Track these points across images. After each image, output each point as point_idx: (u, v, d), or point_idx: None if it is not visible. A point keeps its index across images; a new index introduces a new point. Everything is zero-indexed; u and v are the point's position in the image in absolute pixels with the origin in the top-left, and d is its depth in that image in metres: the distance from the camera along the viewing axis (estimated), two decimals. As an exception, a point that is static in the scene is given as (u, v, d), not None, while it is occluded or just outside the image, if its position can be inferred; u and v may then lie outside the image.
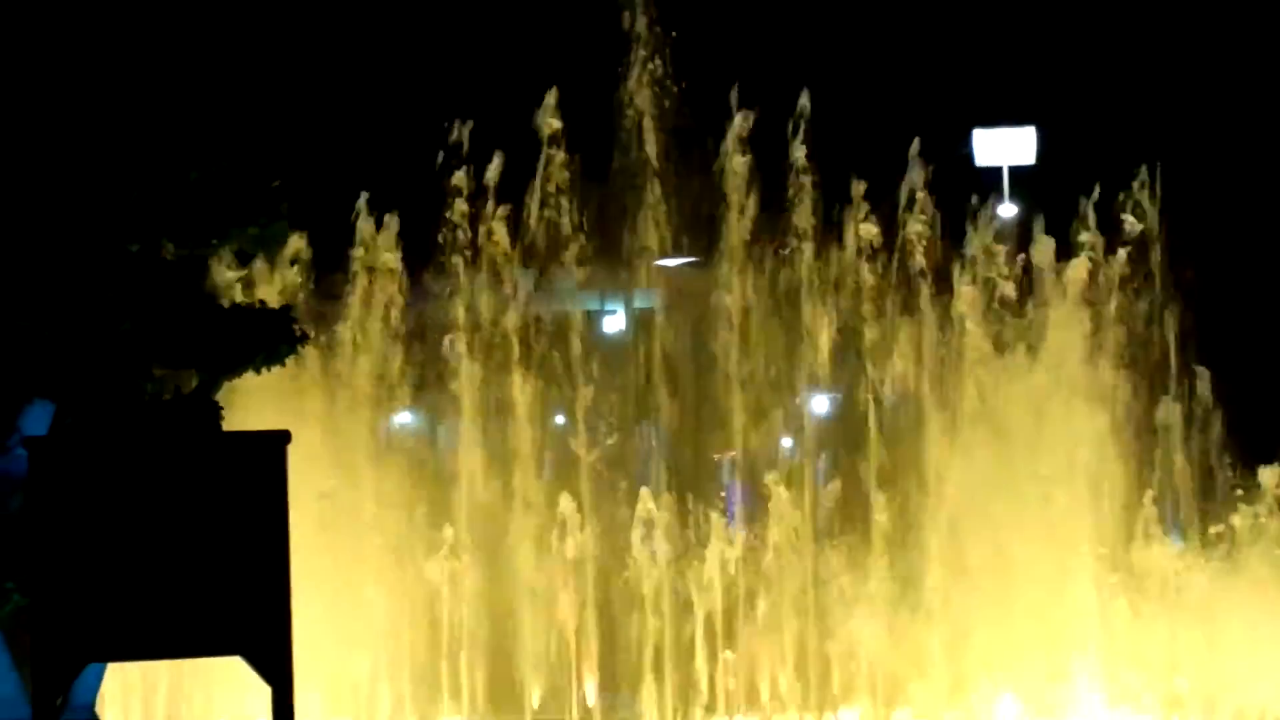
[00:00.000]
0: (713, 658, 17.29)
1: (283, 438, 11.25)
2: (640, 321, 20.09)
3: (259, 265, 15.32)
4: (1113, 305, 20.25)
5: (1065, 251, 21.59)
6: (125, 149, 11.63)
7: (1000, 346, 19.71)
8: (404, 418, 18.69)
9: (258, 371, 12.80)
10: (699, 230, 20.75)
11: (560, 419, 19.38)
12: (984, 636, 17.45)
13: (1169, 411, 20.14)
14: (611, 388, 19.15)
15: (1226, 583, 18.19)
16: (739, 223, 20.27)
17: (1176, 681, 17.72)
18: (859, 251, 21.07)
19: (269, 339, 12.40)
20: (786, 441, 20.28)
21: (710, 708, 17.29)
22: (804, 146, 21.79)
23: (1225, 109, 42.60)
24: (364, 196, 20.98)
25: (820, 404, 21.92)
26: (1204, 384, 20.86)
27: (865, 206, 21.46)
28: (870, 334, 20.79)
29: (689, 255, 20.67)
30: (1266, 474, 19.52)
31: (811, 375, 19.99)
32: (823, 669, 17.41)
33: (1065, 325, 19.63)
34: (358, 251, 21.20)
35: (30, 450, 10.80)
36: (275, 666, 10.72)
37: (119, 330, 11.27)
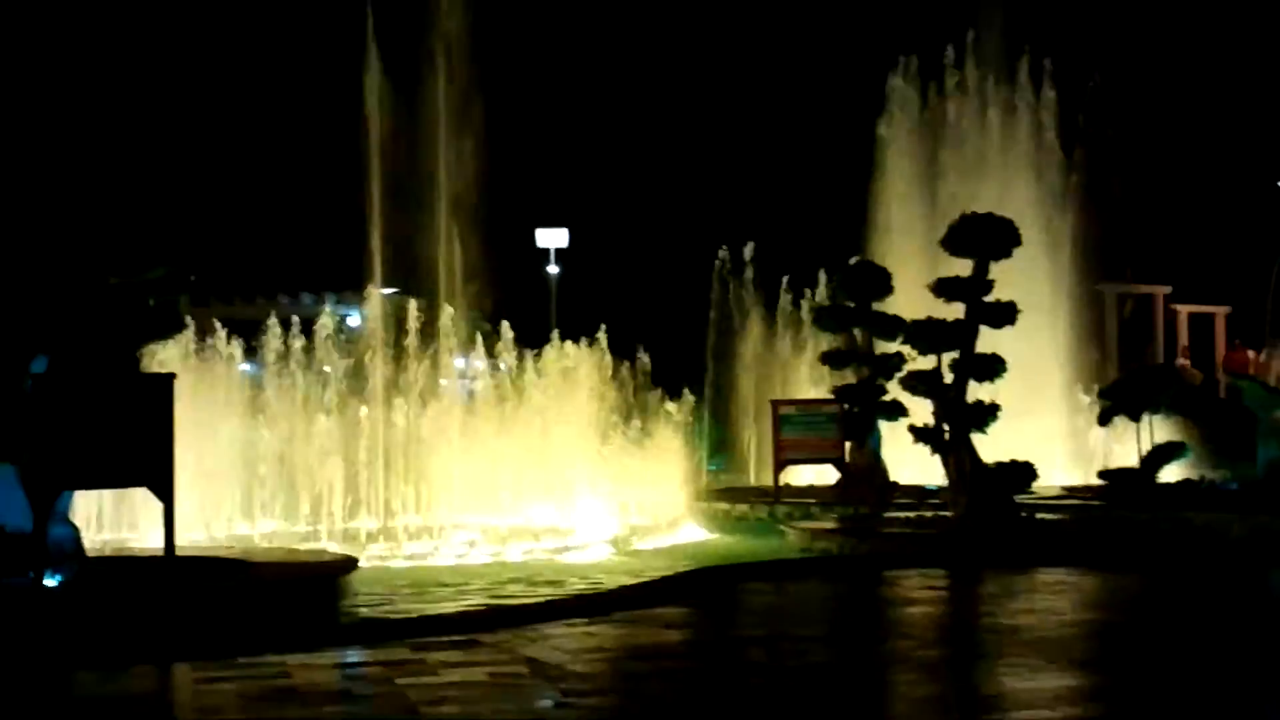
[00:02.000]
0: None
1: (171, 376, 11.06)
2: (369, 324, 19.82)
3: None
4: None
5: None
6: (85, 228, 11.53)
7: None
8: (245, 367, 18.32)
9: (155, 342, 12.57)
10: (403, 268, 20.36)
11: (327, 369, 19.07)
12: (532, 476, 17.55)
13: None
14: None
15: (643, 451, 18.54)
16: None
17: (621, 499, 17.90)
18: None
19: (165, 326, 12.07)
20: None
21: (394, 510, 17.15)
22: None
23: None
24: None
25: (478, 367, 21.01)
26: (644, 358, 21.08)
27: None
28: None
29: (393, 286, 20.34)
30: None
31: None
32: (456, 490, 17.38)
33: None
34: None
35: (34, 381, 10.57)
36: (164, 493, 10.53)
37: (86, 319, 11.06)
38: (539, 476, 17.67)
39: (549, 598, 11.55)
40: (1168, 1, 41.95)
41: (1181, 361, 32.26)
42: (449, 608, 11.11)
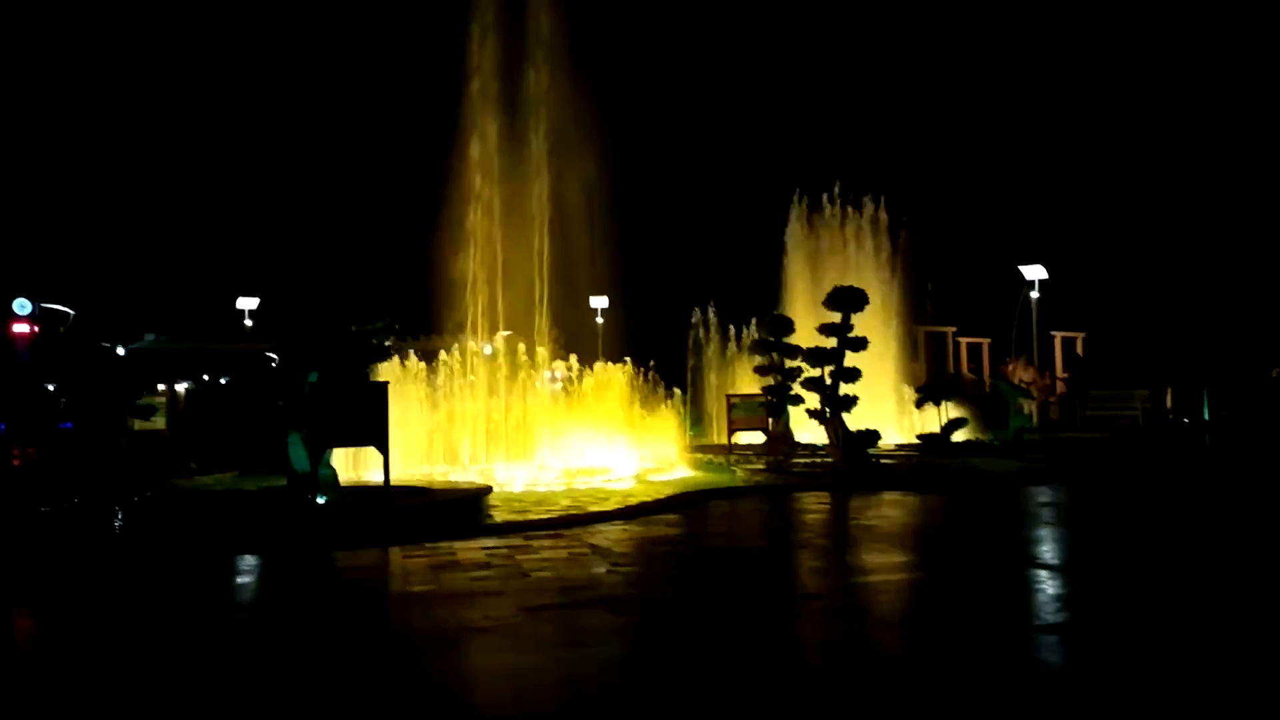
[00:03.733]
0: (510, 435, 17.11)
1: (386, 384, 11.02)
2: (495, 352, 19.50)
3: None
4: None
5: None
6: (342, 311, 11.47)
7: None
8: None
9: (377, 364, 12.38)
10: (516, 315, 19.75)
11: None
12: (591, 438, 17.24)
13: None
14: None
15: (652, 424, 18.16)
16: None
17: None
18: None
19: (382, 355, 11.96)
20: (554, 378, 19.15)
21: (513, 457, 16.72)
22: None
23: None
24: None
25: (559, 376, 19.38)
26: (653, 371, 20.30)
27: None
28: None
29: (510, 329, 20.11)
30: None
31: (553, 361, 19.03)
32: (548, 445, 17.06)
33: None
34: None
35: (310, 386, 10.55)
36: (383, 449, 10.50)
37: (339, 351, 11.04)
38: (595, 438, 17.17)
39: (601, 509, 11.42)
40: (945, 172, 42.40)
41: (967, 373, 31.98)
42: (545, 514, 10.97)
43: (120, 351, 29.08)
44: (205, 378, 29.21)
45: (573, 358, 18.88)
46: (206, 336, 32.10)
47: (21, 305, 18.46)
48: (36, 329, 18.98)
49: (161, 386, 22.79)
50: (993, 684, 4.81)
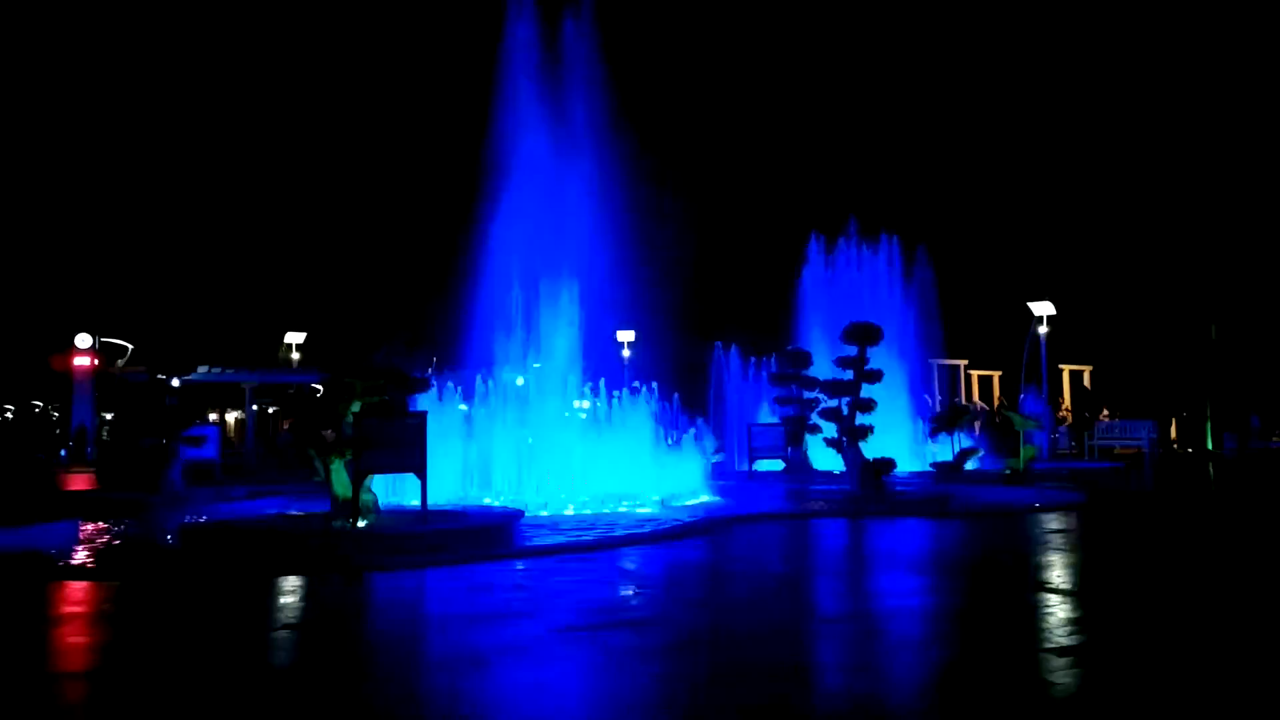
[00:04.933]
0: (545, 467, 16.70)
1: (425, 413, 11.01)
2: (526, 381, 19.42)
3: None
4: None
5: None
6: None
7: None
8: (463, 407, 18.01)
9: (416, 393, 12.37)
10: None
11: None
12: (617, 465, 16.89)
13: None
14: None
15: (676, 451, 17.97)
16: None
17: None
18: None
19: (421, 386, 11.99)
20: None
21: (543, 483, 16.46)
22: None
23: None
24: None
25: (587, 404, 18.92)
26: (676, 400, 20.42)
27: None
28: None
29: (539, 362, 20.04)
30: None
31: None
32: (577, 473, 16.85)
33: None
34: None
35: (353, 417, 10.60)
36: (421, 475, 10.50)
37: (379, 383, 11.09)
38: (620, 465, 16.87)
39: (628, 533, 11.32)
40: (960, 209, 42.30)
41: (980, 404, 31.58)
42: (574, 538, 10.92)
43: (175, 383, 29.61)
44: (254, 407, 29.58)
45: (601, 385, 18.81)
46: (256, 368, 32.59)
47: (83, 339, 18.86)
48: (97, 361, 19.36)
49: (213, 415, 23.12)
50: (1006, 704, 4.70)
